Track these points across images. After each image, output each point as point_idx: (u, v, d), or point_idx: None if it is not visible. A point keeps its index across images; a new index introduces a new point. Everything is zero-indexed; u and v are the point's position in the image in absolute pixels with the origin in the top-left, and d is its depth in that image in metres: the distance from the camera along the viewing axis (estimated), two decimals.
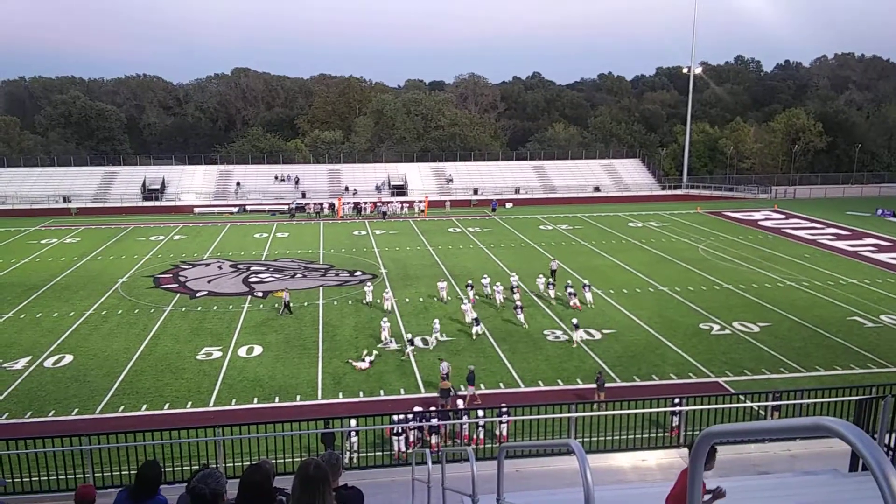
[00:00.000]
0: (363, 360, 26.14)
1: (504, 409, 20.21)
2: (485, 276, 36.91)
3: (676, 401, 18.49)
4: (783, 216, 61.15)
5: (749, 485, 9.91)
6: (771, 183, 76.68)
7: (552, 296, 34.73)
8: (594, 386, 23.28)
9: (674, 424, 18.86)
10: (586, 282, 34.75)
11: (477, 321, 29.91)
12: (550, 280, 36.49)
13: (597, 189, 74.09)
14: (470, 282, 35.89)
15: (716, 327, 30.46)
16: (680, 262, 42.88)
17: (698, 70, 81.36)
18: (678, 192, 75.36)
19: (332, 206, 64.38)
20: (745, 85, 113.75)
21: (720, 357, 26.91)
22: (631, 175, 77.61)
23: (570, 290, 34.20)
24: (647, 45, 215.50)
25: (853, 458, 11.28)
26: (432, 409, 21.52)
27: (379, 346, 28.01)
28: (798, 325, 30.62)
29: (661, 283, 37.91)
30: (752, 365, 26.07)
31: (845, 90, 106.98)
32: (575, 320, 29.95)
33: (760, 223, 57.74)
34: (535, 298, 34.81)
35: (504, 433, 19.71)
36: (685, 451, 13.32)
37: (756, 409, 19.98)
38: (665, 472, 12.57)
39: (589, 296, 33.62)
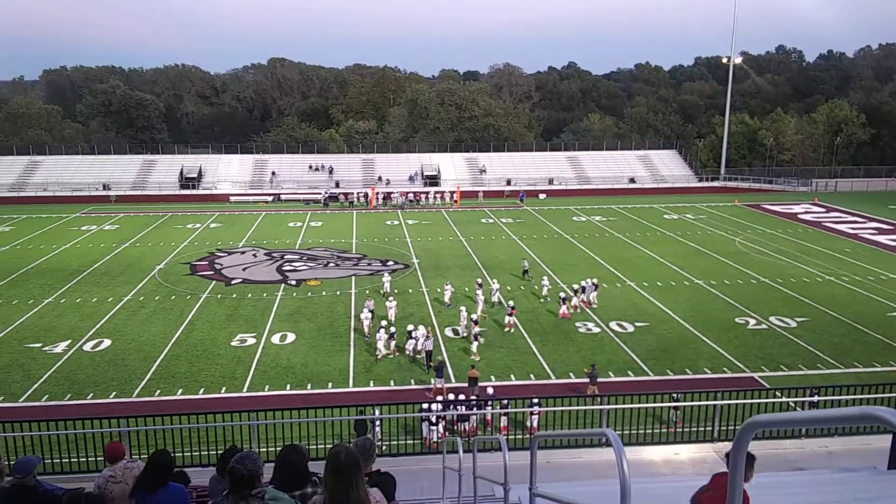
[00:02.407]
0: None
1: (535, 401, 20.14)
2: (494, 281, 34.53)
3: (675, 396, 18.22)
4: (823, 209, 59.84)
5: (784, 481, 9.73)
6: (811, 176, 74.98)
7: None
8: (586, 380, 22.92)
9: (674, 419, 18.58)
10: (594, 281, 33.31)
11: (475, 323, 27.75)
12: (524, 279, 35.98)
13: (632, 180, 73.24)
14: (479, 280, 34.65)
15: (752, 322, 29.96)
16: (716, 255, 42.24)
17: (738, 60, 79.74)
18: (716, 184, 74.14)
19: (365, 195, 64.65)
20: (786, 75, 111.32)
21: (756, 352, 26.47)
22: (667, 166, 76.56)
23: (586, 284, 32.95)
24: (685, 35, 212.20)
25: (893, 455, 11.02)
26: (461, 397, 21.53)
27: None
28: (837, 321, 29.97)
29: (697, 276, 37.39)
30: (788, 360, 25.61)
31: (890, 81, 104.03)
32: (562, 294, 31.25)
33: (800, 216, 56.58)
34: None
35: (535, 424, 19.65)
36: (719, 445, 13.14)
37: (792, 405, 19.65)
38: (697, 467, 12.44)
39: (594, 296, 32.38)
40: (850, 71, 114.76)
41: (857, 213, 57.10)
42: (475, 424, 19.99)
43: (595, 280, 33.53)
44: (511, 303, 30.24)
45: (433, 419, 18.97)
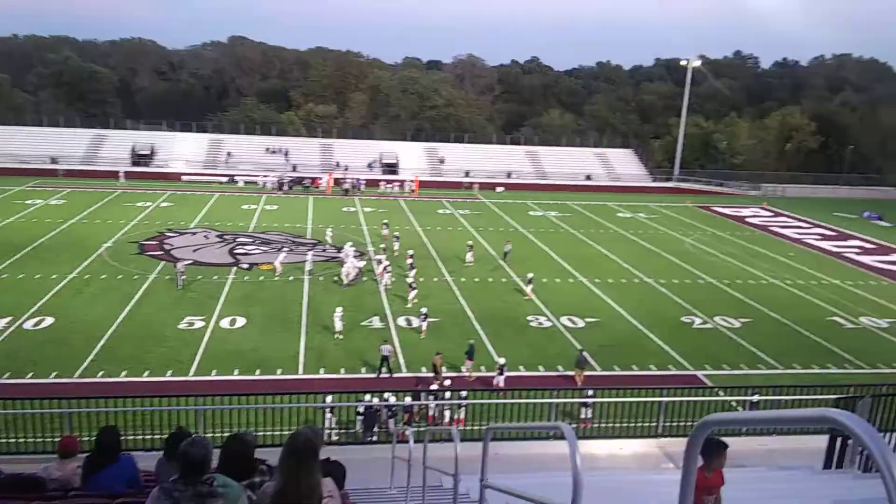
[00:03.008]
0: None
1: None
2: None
3: (590, 392, 18.56)
4: (771, 214, 61.48)
5: (727, 477, 10.02)
6: (762, 180, 76.91)
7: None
8: (573, 372, 23.53)
9: (583, 416, 18.94)
10: (530, 275, 34.12)
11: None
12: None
13: (588, 178, 74.05)
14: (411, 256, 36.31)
15: (698, 321, 30.69)
16: (666, 255, 43.07)
17: (697, 63, 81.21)
18: (669, 184, 75.47)
19: (310, 180, 64.34)
20: (742, 80, 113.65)
21: (700, 350, 27.14)
22: (623, 165, 77.63)
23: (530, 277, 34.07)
24: (647, 36, 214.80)
25: (828, 456, 11.44)
26: (433, 387, 21.61)
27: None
28: (778, 323, 30.90)
29: (647, 274, 38.08)
30: (731, 360, 26.33)
31: (841, 91, 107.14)
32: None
33: (748, 220, 58.03)
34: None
35: (461, 416, 19.52)
36: (663, 441, 13.45)
37: (734, 404, 20.21)
38: (639, 461, 12.71)
39: (529, 288, 33.17)
40: (803, 79, 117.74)
41: (803, 219, 58.82)
42: (458, 415, 19.74)
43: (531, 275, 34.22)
44: (424, 309, 28.45)
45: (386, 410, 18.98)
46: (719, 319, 30.89)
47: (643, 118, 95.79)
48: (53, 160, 64.97)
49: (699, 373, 24.98)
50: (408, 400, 19.65)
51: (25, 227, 42.17)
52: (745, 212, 61.67)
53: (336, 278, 34.01)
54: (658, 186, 74.66)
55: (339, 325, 26.64)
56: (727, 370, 25.32)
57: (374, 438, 18.20)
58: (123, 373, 22.83)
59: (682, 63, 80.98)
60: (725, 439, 13.33)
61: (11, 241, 38.63)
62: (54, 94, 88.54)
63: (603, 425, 16.44)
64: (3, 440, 13.03)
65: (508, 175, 72.03)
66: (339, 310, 27.30)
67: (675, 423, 13.86)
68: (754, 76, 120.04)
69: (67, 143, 67.87)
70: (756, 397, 19.40)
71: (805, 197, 72.84)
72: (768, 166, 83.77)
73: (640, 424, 14.32)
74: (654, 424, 14.28)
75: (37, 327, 26.32)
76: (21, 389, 20.55)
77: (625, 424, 15.25)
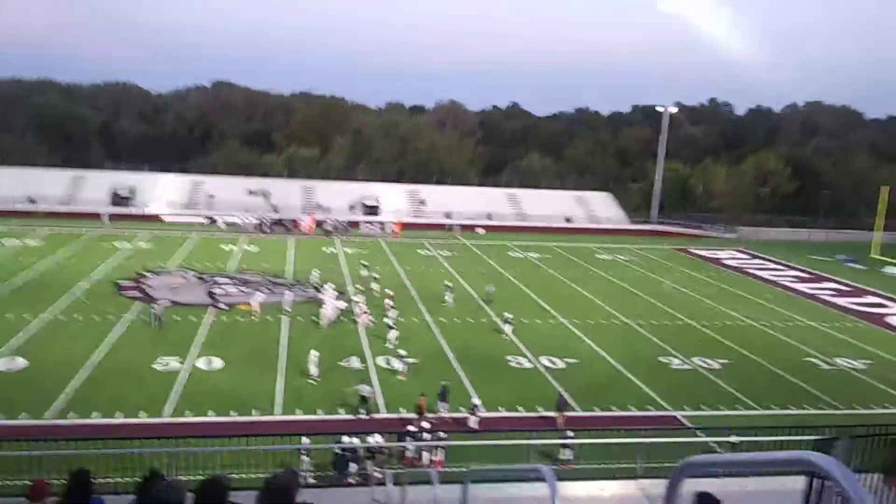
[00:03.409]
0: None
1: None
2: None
3: (570, 434, 18.44)
4: (748, 256, 62.25)
5: None
6: (738, 223, 78.03)
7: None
8: (555, 413, 23.48)
9: (564, 457, 18.77)
10: (509, 315, 34.66)
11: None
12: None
13: (568, 220, 74.75)
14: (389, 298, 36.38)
15: (676, 362, 30.81)
16: (645, 296, 43.35)
17: (674, 110, 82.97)
18: (647, 227, 76.37)
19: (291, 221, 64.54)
20: (717, 126, 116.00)
21: (679, 391, 27.19)
22: (602, 208, 78.52)
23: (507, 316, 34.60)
24: (624, 83, 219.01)
25: (806, 498, 11.44)
26: (409, 428, 21.39)
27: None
28: (756, 364, 31.10)
29: (627, 315, 38.27)
30: (709, 400, 26.38)
31: (814, 136, 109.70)
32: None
33: (725, 262, 58.70)
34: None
35: (440, 458, 19.34)
36: (644, 482, 13.38)
37: (712, 444, 20.19)
38: (621, 503, 12.63)
39: (508, 328, 33.53)
40: (777, 125, 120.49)
41: (778, 261, 59.60)
42: (438, 457, 19.45)
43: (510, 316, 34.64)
44: (403, 352, 28.63)
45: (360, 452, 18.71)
46: (697, 360, 31.03)
47: (622, 162, 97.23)
48: (31, 200, 64.46)
49: (678, 413, 24.98)
50: (380, 440, 19.39)
51: (0, 268, 41.62)
52: (721, 254, 62.40)
53: (314, 318, 33.83)
54: (636, 229, 75.47)
55: (314, 370, 26.36)
56: (706, 411, 25.34)
57: (349, 480, 17.93)
58: (96, 414, 22.40)
59: (659, 109, 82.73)
60: (704, 481, 13.32)
61: None
62: (37, 137, 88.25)
63: (583, 466, 16.36)
64: None
65: (489, 217, 72.49)
66: (313, 353, 26.97)
67: (656, 465, 13.82)
68: (729, 122, 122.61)
69: (46, 184, 67.43)
70: (736, 438, 19.41)
71: (781, 240, 73.96)
72: (745, 209, 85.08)
73: (620, 466, 14.27)
74: (634, 466, 14.23)
75: (7, 369, 25.83)
76: None
77: (605, 466, 15.19)
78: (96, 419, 22.05)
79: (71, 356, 27.30)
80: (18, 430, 20.36)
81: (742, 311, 40.83)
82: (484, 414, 23.31)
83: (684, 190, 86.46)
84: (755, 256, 62.05)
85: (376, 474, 16.98)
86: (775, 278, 52.04)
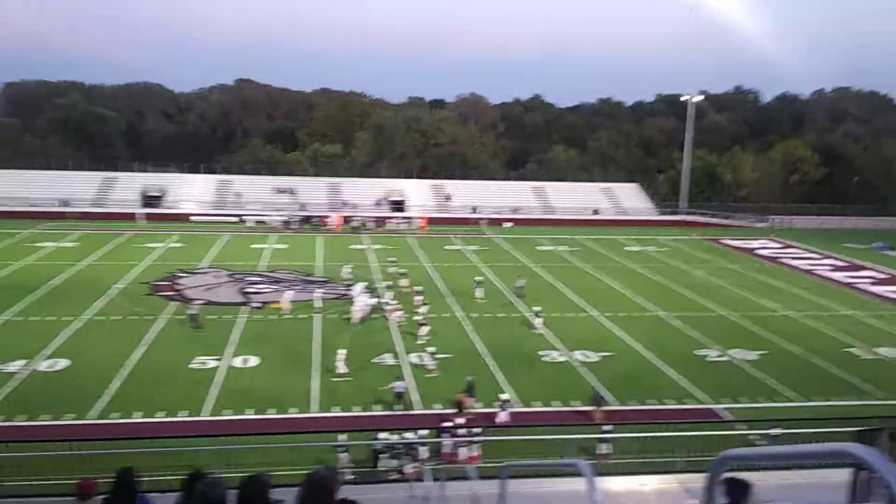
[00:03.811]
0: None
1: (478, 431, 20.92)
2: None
3: (607, 427, 18.31)
4: (781, 245, 61.38)
5: None
6: (768, 212, 76.99)
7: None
8: (592, 407, 23.40)
9: (603, 452, 18.60)
10: (538, 309, 34.39)
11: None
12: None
13: (595, 212, 74.32)
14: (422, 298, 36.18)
15: (712, 353, 30.48)
16: (677, 288, 42.96)
17: (699, 98, 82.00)
18: (675, 217, 75.65)
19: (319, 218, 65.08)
20: (743, 114, 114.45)
21: (716, 383, 26.89)
22: (629, 199, 77.95)
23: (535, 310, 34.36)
24: (647, 72, 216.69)
25: (854, 490, 11.25)
26: (444, 423, 21.44)
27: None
28: (793, 355, 30.65)
29: (659, 307, 37.95)
30: (748, 392, 26.07)
31: (842, 122, 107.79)
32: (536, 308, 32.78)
33: (757, 251, 57.94)
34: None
35: (476, 453, 19.31)
36: (684, 476, 13.26)
37: (753, 437, 19.97)
38: (661, 498, 12.52)
39: (538, 322, 33.28)
40: (804, 112, 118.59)
41: (813, 250, 58.69)
42: (475, 452, 19.44)
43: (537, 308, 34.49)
44: (432, 349, 28.17)
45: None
46: (734, 352, 30.67)
47: (647, 152, 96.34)
48: (64, 203, 65.55)
49: (716, 406, 24.73)
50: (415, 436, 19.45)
51: (38, 270, 42.40)
52: (753, 244, 61.59)
53: (346, 316, 33.99)
54: (665, 219, 74.84)
55: (342, 368, 26.44)
56: (745, 403, 25.05)
57: (387, 476, 18.01)
58: (137, 414, 22.74)
59: (683, 98, 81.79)
60: (745, 475, 13.17)
61: (24, 283, 38.81)
62: (62, 139, 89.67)
63: (621, 461, 16.26)
64: (21, 483, 12.95)
65: (515, 210, 72.32)
66: (341, 352, 27.06)
67: (695, 458, 13.68)
68: (756, 110, 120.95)
69: (77, 186, 68.59)
70: (776, 431, 19.17)
71: (813, 228, 72.83)
72: (774, 198, 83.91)
73: (659, 460, 14.15)
74: (673, 460, 14.10)
75: (51, 370, 26.31)
76: (36, 432, 20.50)
77: (643, 460, 15.08)
78: (138, 418, 22.38)
79: (110, 356, 27.73)
80: (64, 431, 20.73)
81: (777, 300, 40.28)
82: (514, 409, 23.26)
83: (712, 178, 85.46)
84: (788, 245, 61.16)
85: (413, 470, 17.04)
86: (810, 267, 51.23)
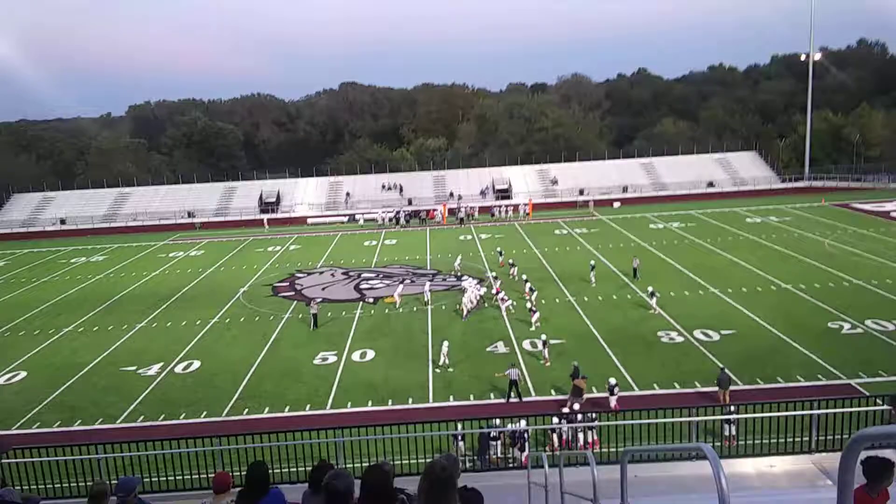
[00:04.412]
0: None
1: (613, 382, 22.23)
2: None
3: (732, 409, 17.40)
4: None
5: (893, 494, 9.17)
6: None
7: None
8: (715, 388, 22.53)
9: (728, 433, 17.74)
10: (652, 289, 33.24)
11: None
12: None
13: (710, 184, 71.28)
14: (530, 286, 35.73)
15: (846, 326, 28.55)
16: (804, 258, 40.54)
17: (818, 56, 76.79)
18: (800, 184, 71.39)
19: (426, 212, 66.05)
20: (869, 69, 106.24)
21: (852, 358, 25.19)
22: (747, 168, 74.21)
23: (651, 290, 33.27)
24: (760, 33, 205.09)
25: None
26: (564, 409, 21.28)
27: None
28: None
29: (784, 280, 35.95)
30: (887, 366, 24.24)
31: None
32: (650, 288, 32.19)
33: (893, 214, 53.72)
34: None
35: (595, 438, 18.98)
36: (817, 456, 12.52)
37: (895, 413, 18.57)
38: (793, 480, 11.86)
39: (654, 301, 32.11)
40: None
41: None
42: (592, 438, 19.30)
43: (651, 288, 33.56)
44: (544, 336, 27.82)
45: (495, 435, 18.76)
46: (870, 323, 28.61)
47: (764, 118, 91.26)
48: (190, 214, 69.84)
49: (853, 381, 23.17)
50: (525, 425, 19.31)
51: (169, 279, 45.40)
52: (888, 206, 57.14)
53: (457, 307, 34.29)
54: (788, 187, 70.80)
55: (444, 360, 26.73)
56: (884, 377, 23.34)
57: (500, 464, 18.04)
58: (266, 409, 23.92)
59: (802, 58, 76.86)
60: (886, 451, 12.29)
61: (159, 291, 41.69)
62: (186, 153, 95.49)
63: (750, 442, 15.51)
64: (163, 479, 13.91)
65: (624, 189, 70.52)
66: (445, 344, 27.38)
67: (830, 437, 12.87)
68: (883, 63, 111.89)
69: (201, 198, 72.91)
70: None
71: None
72: None
73: (791, 440, 13.41)
74: (806, 439, 13.32)
75: (185, 371, 28.11)
76: (176, 430, 21.95)
77: (774, 441, 14.34)
78: (268, 414, 23.53)
79: (239, 356, 29.32)
80: (202, 428, 22.10)
81: None
82: (630, 393, 22.71)
83: (838, 140, 79.91)
84: None
85: (525, 457, 16.96)
86: None
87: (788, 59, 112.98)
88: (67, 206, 72.62)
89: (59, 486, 13.12)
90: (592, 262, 39.68)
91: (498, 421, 19.01)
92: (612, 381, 22.84)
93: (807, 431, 13.21)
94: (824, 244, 44.21)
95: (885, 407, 18.19)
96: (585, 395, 22.22)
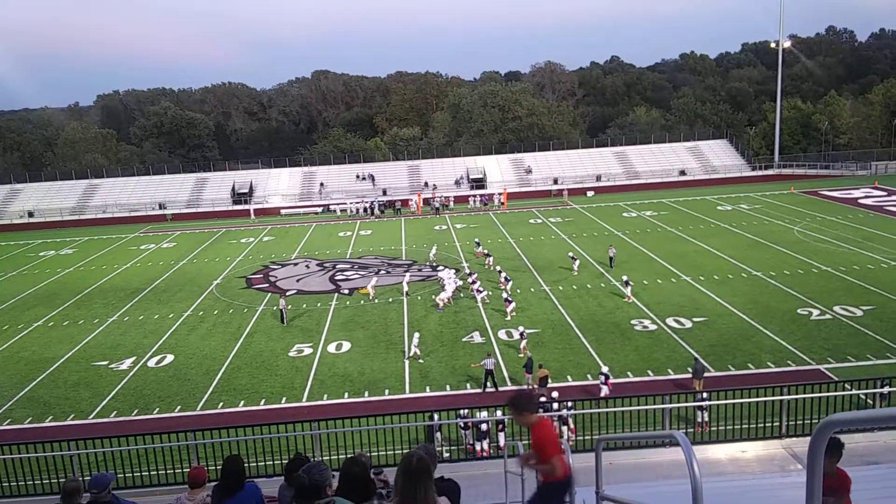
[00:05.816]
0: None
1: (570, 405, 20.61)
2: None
3: (704, 395, 17.74)
4: (885, 193, 57.74)
5: (857, 475, 9.39)
6: (870, 159, 72.45)
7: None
8: (689, 375, 22.83)
9: (700, 420, 18.07)
10: (625, 277, 33.77)
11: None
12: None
13: (682, 173, 71.97)
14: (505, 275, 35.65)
15: (815, 312, 29.09)
16: (774, 245, 41.17)
17: (787, 44, 77.69)
18: (770, 172, 72.32)
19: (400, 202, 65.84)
20: (838, 57, 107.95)
21: (821, 343, 25.69)
22: (718, 157, 75.02)
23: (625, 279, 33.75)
24: (730, 21, 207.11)
25: None
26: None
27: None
28: None
29: (755, 267, 36.50)
30: (855, 351, 24.77)
31: None
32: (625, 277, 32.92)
33: (860, 201, 54.73)
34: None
35: (571, 426, 19.21)
36: (787, 441, 12.76)
37: (863, 397, 18.98)
38: (764, 465, 12.08)
39: (628, 290, 32.53)
40: None
41: None
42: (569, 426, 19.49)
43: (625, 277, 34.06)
44: (521, 328, 27.80)
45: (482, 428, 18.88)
46: (839, 309, 29.18)
47: (735, 106, 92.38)
48: (161, 206, 68.93)
49: (822, 367, 23.64)
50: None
51: (141, 271, 44.82)
52: (855, 193, 58.20)
53: (433, 298, 34.32)
54: (758, 175, 71.71)
55: (415, 351, 26.82)
56: (853, 362, 23.83)
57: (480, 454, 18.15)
58: (241, 403, 23.78)
59: (772, 45, 77.73)
60: (858, 435, 12.55)
61: (130, 284, 41.16)
62: (156, 144, 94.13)
63: (722, 428, 15.76)
64: (137, 474, 13.79)
65: (598, 178, 70.94)
66: (416, 335, 27.64)
67: (801, 422, 13.13)
68: (851, 51, 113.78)
69: (173, 189, 71.96)
70: (887, 389, 18.15)
71: None
72: (876, 143, 78.93)
73: (762, 425, 13.66)
74: (777, 424, 13.57)
75: (159, 365, 27.83)
76: (149, 424, 21.76)
77: (745, 426, 14.59)
78: (243, 407, 23.40)
79: (213, 349, 29.10)
80: (176, 422, 21.92)
81: (884, 252, 37.99)
82: (596, 382, 22.96)
83: (807, 128, 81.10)
84: (893, 192, 57.45)
85: (515, 443, 17.07)
86: None
87: (758, 46, 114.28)
88: (35, 199, 71.27)
89: (30, 483, 12.94)
90: (571, 254, 39.62)
91: (465, 411, 19.15)
92: (605, 368, 23.07)
93: (777, 417, 13.46)
94: (794, 231, 44.86)
95: (853, 392, 18.58)
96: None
